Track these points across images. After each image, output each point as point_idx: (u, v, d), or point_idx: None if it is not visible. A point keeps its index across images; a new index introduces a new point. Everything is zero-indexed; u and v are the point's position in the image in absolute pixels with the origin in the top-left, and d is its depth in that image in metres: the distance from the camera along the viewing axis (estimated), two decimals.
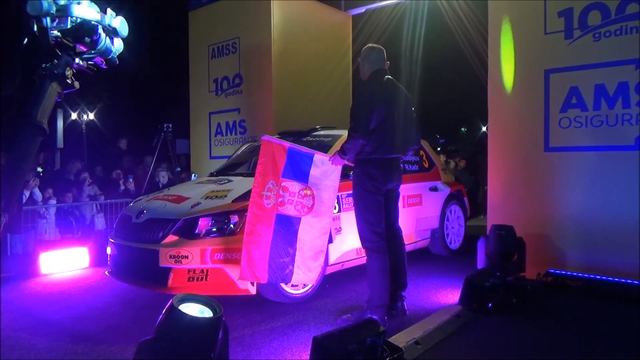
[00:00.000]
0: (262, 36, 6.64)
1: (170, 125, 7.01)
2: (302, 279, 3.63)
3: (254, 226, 3.43)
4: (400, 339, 3.00)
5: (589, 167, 4.31)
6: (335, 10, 7.60)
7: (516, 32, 4.73)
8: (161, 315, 2.18)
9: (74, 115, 21.14)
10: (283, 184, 3.51)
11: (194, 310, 2.28)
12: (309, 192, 3.55)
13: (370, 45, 3.71)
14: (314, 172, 3.56)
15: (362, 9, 7.65)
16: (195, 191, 4.28)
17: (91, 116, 21.55)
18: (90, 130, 21.23)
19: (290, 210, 3.51)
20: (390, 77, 3.59)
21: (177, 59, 10.62)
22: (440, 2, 7.18)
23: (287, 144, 3.58)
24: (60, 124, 15.34)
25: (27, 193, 6.56)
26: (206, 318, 2.26)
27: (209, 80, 7.42)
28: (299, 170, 3.56)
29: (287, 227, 3.50)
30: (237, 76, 7.03)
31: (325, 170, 3.57)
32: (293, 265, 3.49)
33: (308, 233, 3.53)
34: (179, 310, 2.18)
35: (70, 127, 19.89)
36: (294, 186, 3.53)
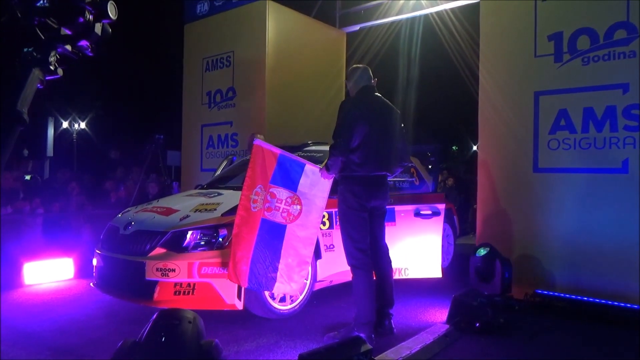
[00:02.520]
0: (257, 51, 6.68)
1: (162, 137, 6.99)
2: (285, 289, 3.59)
3: (239, 228, 3.44)
4: (386, 358, 2.98)
5: (577, 189, 4.35)
6: (329, 28, 7.68)
7: (507, 54, 4.80)
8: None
9: (65, 124, 21.04)
10: (271, 189, 3.51)
11: None
12: (296, 200, 3.54)
13: (354, 65, 3.76)
14: (303, 181, 3.56)
15: (356, 27, 7.74)
16: (185, 204, 4.24)
17: (82, 125, 21.46)
18: (81, 140, 21.13)
19: (276, 217, 3.50)
20: (378, 94, 3.61)
21: (171, 70, 10.65)
22: (435, 21, 7.30)
23: (278, 151, 3.59)
24: (50, 132, 15.22)
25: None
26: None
27: (202, 93, 7.43)
28: (288, 178, 3.55)
29: (271, 234, 3.48)
30: (231, 89, 7.05)
31: (315, 181, 3.57)
32: (276, 274, 3.47)
33: (293, 242, 3.51)
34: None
35: (61, 136, 19.78)
36: (281, 193, 3.52)
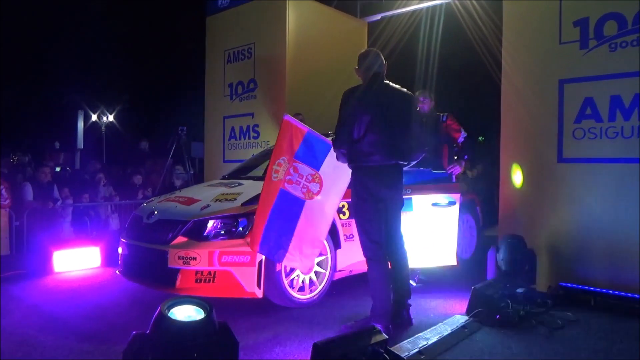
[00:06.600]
0: (277, 42, 6.69)
1: (185, 129, 7.10)
2: (296, 263, 3.62)
3: (263, 196, 3.54)
4: (403, 348, 2.98)
5: (603, 179, 4.22)
6: (350, 18, 7.61)
7: (531, 41, 4.67)
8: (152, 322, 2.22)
9: (94, 117, 21.58)
10: (295, 164, 3.55)
11: (185, 312, 2.31)
12: (317, 178, 3.55)
13: (363, 50, 3.64)
14: (328, 161, 3.58)
15: (378, 17, 7.65)
16: (206, 193, 4.32)
17: (110, 118, 21.97)
18: (110, 132, 21.63)
19: (296, 191, 3.54)
20: (386, 81, 3.49)
21: (194, 63, 10.78)
22: (458, 10, 7.15)
23: (306, 128, 3.62)
24: (80, 125, 15.69)
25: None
26: (193, 321, 2.26)
27: (224, 85, 7.49)
28: (313, 155, 3.58)
29: (289, 206, 3.52)
30: (252, 81, 7.08)
31: (340, 164, 3.53)
32: (288, 246, 3.50)
33: (309, 219, 3.53)
34: (168, 316, 2.20)
35: (90, 128, 20.30)
36: (304, 169, 3.55)
